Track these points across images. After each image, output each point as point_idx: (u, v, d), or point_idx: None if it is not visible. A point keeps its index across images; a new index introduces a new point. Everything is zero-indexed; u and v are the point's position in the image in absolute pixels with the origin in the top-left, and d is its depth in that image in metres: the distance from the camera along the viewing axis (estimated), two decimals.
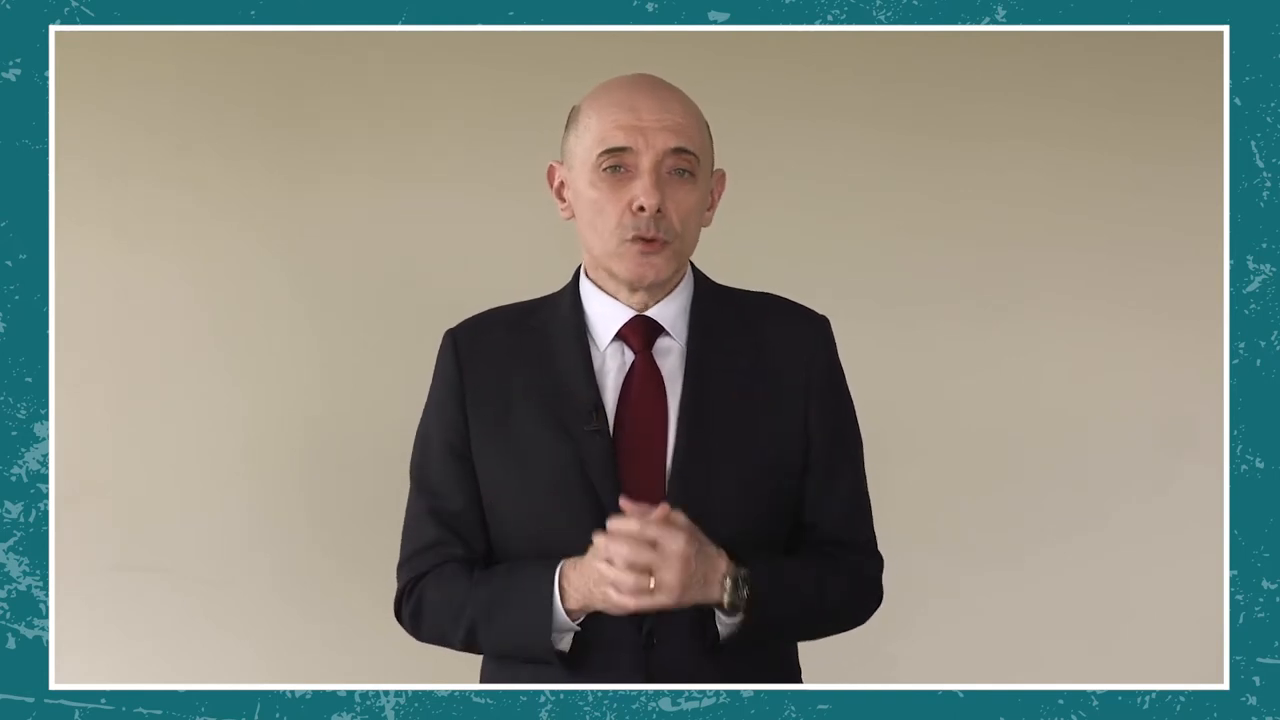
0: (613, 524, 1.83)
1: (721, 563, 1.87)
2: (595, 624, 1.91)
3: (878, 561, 2.07)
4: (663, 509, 1.83)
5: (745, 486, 1.95)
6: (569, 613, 1.89)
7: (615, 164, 1.94)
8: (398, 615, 2.05)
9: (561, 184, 2.03)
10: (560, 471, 1.93)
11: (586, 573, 1.86)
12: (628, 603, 1.81)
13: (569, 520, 1.92)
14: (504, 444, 1.98)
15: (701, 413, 1.95)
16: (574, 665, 1.92)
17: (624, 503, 1.84)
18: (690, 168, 1.95)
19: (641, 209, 1.93)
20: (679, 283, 2.03)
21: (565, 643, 1.92)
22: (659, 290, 2.00)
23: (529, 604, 1.90)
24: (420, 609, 2.02)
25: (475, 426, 2.00)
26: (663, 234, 1.94)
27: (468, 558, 2.00)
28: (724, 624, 1.91)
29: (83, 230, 2.91)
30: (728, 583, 1.86)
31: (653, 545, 1.80)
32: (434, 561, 2.01)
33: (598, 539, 1.84)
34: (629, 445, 1.95)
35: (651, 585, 1.80)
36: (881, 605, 2.07)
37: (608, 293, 2.01)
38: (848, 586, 2.01)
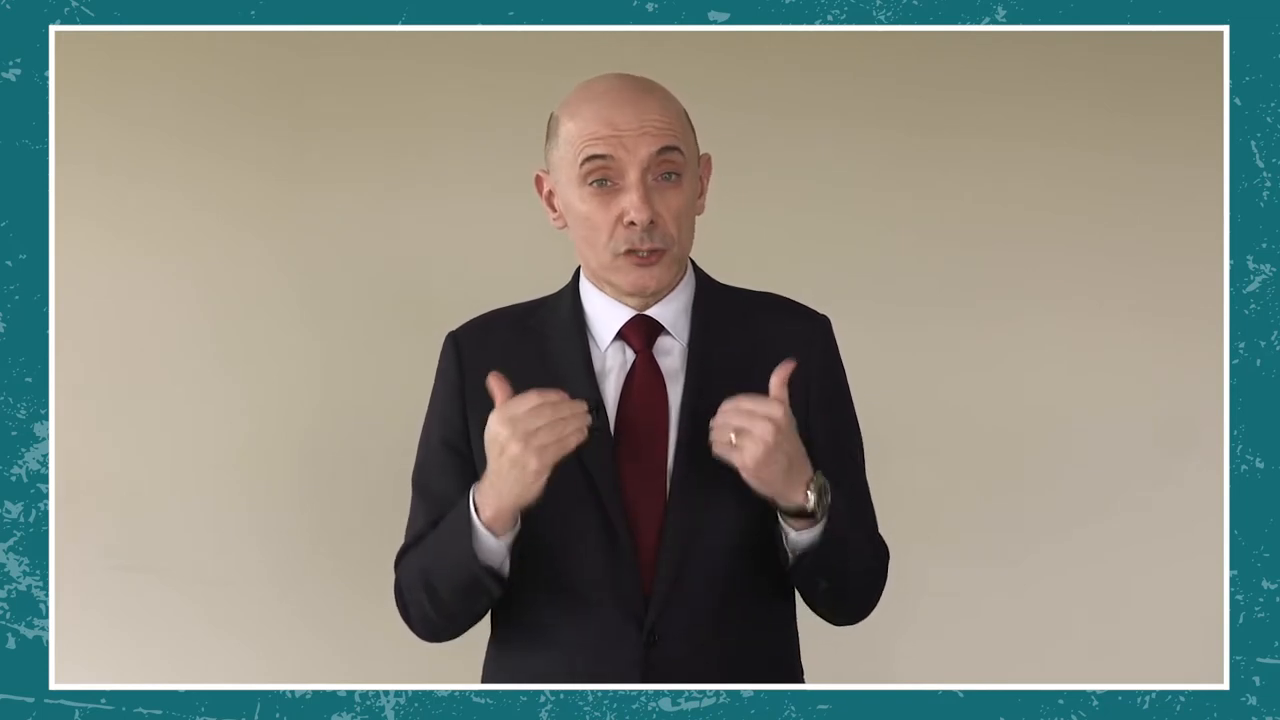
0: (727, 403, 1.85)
1: (809, 466, 1.87)
2: (596, 621, 1.92)
3: (885, 548, 2.08)
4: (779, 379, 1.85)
5: (746, 485, 1.95)
6: (487, 524, 1.87)
7: (601, 176, 1.92)
8: (400, 612, 2.06)
9: (550, 193, 2.02)
10: (561, 471, 1.93)
11: (490, 475, 1.85)
12: (724, 449, 1.84)
13: (569, 519, 1.92)
14: None
15: (703, 411, 1.94)
16: (506, 583, 1.91)
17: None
18: (677, 168, 1.94)
19: (633, 224, 1.92)
20: (679, 282, 2.03)
21: (503, 564, 1.90)
22: (659, 293, 2.00)
23: (453, 531, 1.90)
24: (400, 594, 2.03)
25: (476, 428, 1.99)
26: (659, 243, 1.93)
27: None
28: (795, 539, 1.90)
29: (83, 231, 2.91)
30: (813, 490, 1.87)
31: (746, 411, 1.82)
32: None
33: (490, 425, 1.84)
34: (630, 444, 1.95)
35: (734, 439, 1.82)
36: (882, 604, 2.07)
37: (607, 294, 2.02)
38: (871, 550, 2.03)
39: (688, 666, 1.93)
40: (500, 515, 1.87)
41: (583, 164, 1.92)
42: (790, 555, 1.92)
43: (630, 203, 1.91)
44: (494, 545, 1.88)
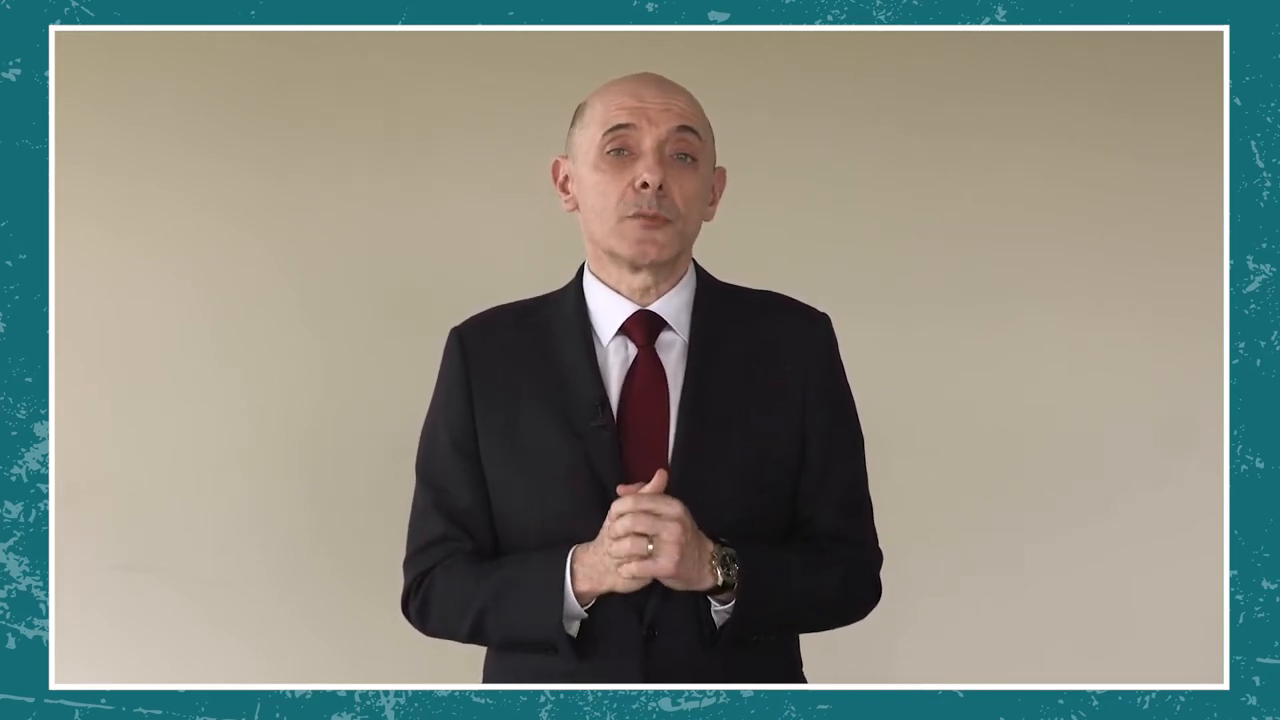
0: (613, 506, 1.86)
1: (709, 544, 1.89)
2: (597, 613, 1.92)
3: (876, 558, 2.07)
4: (658, 478, 1.86)
5: (744, 480, 1.96)
6: (577, 595, 1.89)
7: (619, 146, 1.96)
8: (405, 611, 2.06)
9: (566, 177, 2.05)
10: (567, 468, 1.94)
11: (598, 554, 1.88)
12: (631, 568, 1.84)
13: (577, 516, 1.92)
14: (511, 441, 1.99)
15: (702, 407, 1.96)
16: (580, 654, 1.92)
17: (620, 488, 1.88)
18: (693, 151, 1.97)
19: (644, 185, 1.94)
20: (682, 277, 2.04)
21: (573, 629, 1.92)
22: (661, 278, 2.01)
23: (541, 587, 1.91)
24: (428, 602, 2.02)
25: (482, 424, 2.01)
26: (665, 211, 1.95)
27: (476, 551, 2.01)
28: (718, 612, 1.91)
29: (83, 231, 2.91)
30: (716, 564, 1.88)
31: (650, 514, 1.84)
32: (441, 555, 2.02)
33: (607, 520, 1.87)
34: (632, 438, 1.96)
35: (650, 548, 1.84)
36: (882, 604, 2.07)
37: (610, 285, 2.02)
38: (842, 577, 2.01)
39: (687, 661, 1.93)
40: (594, 594, 1.90)
41: (605, 134, 1.96)
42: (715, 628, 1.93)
43: (645, 165, 1.94)
44: (575, 611, 1.91)
